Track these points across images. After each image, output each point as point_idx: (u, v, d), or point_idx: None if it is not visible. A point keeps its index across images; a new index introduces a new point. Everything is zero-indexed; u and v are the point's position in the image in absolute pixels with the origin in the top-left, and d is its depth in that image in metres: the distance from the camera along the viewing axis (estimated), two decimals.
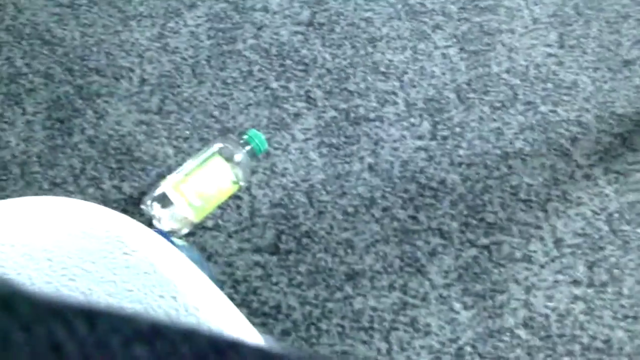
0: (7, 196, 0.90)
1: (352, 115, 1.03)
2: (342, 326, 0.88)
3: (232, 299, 0.40)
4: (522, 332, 0.92)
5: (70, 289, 0.34)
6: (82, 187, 0.91)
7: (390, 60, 1.10)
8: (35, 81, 1.00)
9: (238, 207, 0.94)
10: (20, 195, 0.90)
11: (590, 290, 0.93)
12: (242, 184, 0.93)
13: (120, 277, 0.35)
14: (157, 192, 0.87)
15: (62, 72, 1.01)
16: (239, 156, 0.92)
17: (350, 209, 0.96)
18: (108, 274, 0.35)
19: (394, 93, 1.06)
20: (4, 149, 0.93)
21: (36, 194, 0.90)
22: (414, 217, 0.96)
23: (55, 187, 0.90)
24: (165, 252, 0.37)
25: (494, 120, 1.07)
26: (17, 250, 0.37)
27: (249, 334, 0.33)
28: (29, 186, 0.90)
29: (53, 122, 0.95)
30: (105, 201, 0.90)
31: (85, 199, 0.90)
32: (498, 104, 1.08)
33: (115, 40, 1.06)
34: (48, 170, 0.92)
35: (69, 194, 0.90)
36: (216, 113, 1.00)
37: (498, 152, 1.04)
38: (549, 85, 1.10)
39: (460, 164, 1.01)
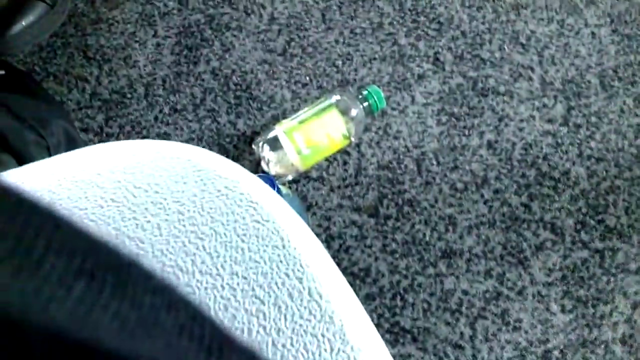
0: (129, 114, 0.93)
1: (480, 85, 0.97)
2: (429, 303, 0.86)
3: None
4: (617, 349, 0.86)
5: (197, 247, 0.34)
6: (199, 117, 0.93)
7: (532, 32, 1.00)
8: (170, 5, 1.02)
9: (345, 162, 0.92)
10: (141, 115, 0.93)
11: None
12: (353, 139, 0.91)
13: (248, 246, 0.34)
14: (270, 134, 0.88)
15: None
16: (354, 111, 0.89)
17: (459, 185, 0.92)
18: (237, 240, 0.34)
19: (531, 68, 0.98)
20: (132, 68, 0.96)
21: (156, 117, 0.93)
22: (526, 205, 0.91)
23: (175, 113, 0.93)
24: (299, 229, 0.36)
25: (637, 115, 0.96)
26: (149, 197, 0.37)
27: (369, 334, 0.31)
28: (151, 107, 0.93)
29: (181, 48, 0.97)
30: (219, 135, 0.92)
31: (201, 130, 0.92)
32: None
33: None
34: (170, 95, 0.94)
35: (186, 122, 0.92)
36: (339, 63, 0.97)
37: (634, 151, 0.94)
38: None
39: (589, 157, 0.93)
